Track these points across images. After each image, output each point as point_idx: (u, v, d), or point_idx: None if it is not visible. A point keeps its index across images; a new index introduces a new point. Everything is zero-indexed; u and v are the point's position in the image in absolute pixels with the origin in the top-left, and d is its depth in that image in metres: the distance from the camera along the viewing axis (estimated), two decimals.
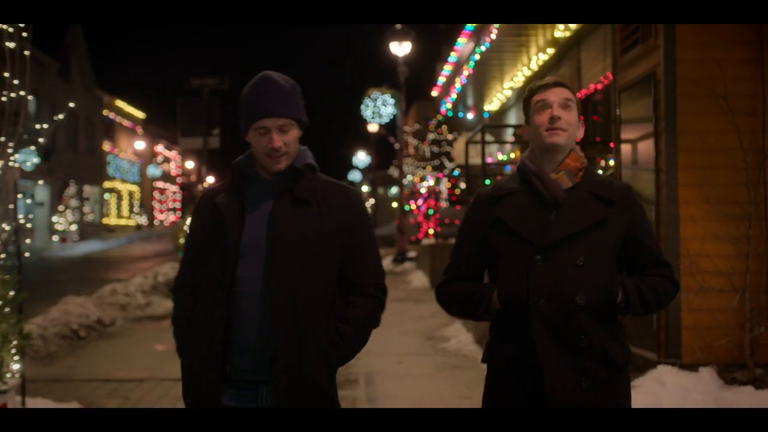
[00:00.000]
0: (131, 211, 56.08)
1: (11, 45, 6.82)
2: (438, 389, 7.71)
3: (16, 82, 6.83)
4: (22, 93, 6.81)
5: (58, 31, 38.02)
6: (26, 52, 7.03)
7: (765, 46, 7.26)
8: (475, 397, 6.65)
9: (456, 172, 21.37)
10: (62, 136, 39.20)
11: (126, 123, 53.24)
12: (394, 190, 27.25)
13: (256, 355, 2.92)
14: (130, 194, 56.08)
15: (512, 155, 13.26)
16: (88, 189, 45.34)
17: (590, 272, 2.93)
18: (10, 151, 6.75)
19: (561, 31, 13.25)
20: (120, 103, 51.23)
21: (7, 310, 5.68)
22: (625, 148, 8.36)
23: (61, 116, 7.54)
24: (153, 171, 58.45)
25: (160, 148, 62.85)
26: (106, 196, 50.40)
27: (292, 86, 3.05)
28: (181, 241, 16.90)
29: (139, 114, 55.85)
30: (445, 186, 28.55)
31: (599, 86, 12.65)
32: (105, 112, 48.41)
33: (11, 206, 6.91)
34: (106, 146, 48.92)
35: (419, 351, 9.72)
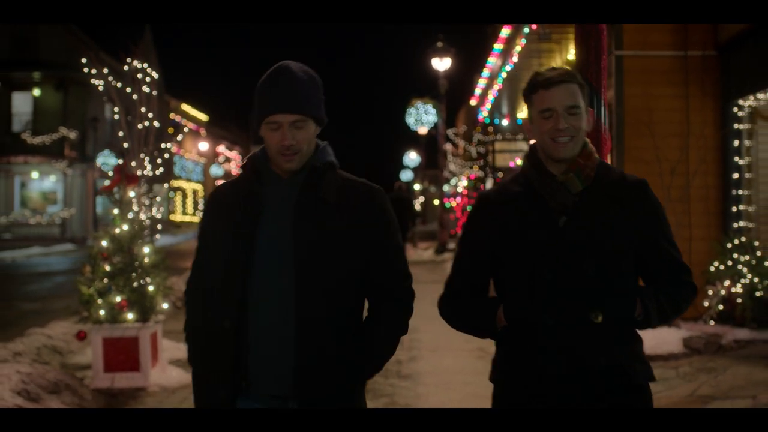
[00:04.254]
0: (195, 208, 59.34)
1: (146, 89, 9.71)
2: (451, 337, 10.39)
3: (150, 115, 9.66)
4: (155, 123, 9.62)
5: (132, 40, 41.19)
6: (154, 93, 9.89)
7: (689, 86, 9.93)
8: (475, 342, 9.39)
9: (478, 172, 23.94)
10: (136, 140, 42.52)
11: (191, 125, 56.58)
12: (445, 188, 29.93)
13: (276, 368, 2.68)
14: (194, 192, 59.40)
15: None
16: (156, 187, 48.69)
17: (604, 284, 2.66)
18: (147, 165, 9.56)
19: (573, 54, 15.84)
20: (185, 107, 54.55)
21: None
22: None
23: (179, 137, 10.42)
24: (215, 170, 61.59)
25: (221, 148, 66.06)
26: (172, 194, 53.89)
27: (311, 78, 2.76)
28: None
29: (203, 116, 59.16)
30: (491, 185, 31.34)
31: None
32: (171, 116, 51.74)
33: (147, 203, 9.75)
34: (173, 147, 52.22)
35: None
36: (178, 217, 54.37)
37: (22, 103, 38.19)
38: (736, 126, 9.86)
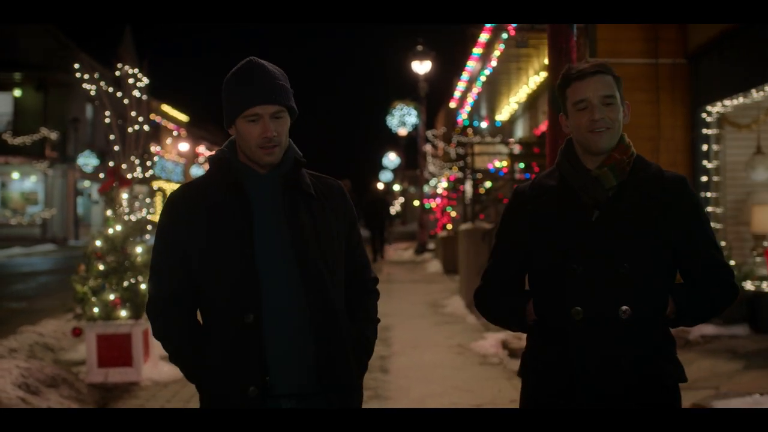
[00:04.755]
0: None
1: (137, 94, 10.01)
2: (431, 334, 10.80)
3: (140, 119, 9.97)
4: (145, 127, 9.93)
5: (112, 41, 41.33)
6: (144, 97, 10.19)
7: (660, 92, 10.37)
8: (454, 338, 9.76)
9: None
10: (127, 143, 42.75)
11: (171, 126, 56.63)
12: (425, 188, 30.42)
13: (290, 364, 2.72)
14: None
15: (504, 163, 16.30)
16: (137, 188, 48.84)
17: (636, 281, 2.63)
18: (138, 168, 9.85)
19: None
20: (165, 108, 54.62)
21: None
22: None
23: (168, 141, 10.69)
24: (195, 171, 61.72)
25: (201, 149, 66.16)
26: (152, 195, 54.01)
27: (281, 72, 2.81)
28: None
29: (183, 117, 59.24)
30: (469, 186, 31.71)
31: None
32: (152, 116, 51.79)
33: (135, 204, 10.04)
34: (153, 148, 52.34)
35: (423, 313, 12.83)
36: (157, 217, 54.31)
37: (2, 104, 38.21)
38: (704, 131, 10.29)
